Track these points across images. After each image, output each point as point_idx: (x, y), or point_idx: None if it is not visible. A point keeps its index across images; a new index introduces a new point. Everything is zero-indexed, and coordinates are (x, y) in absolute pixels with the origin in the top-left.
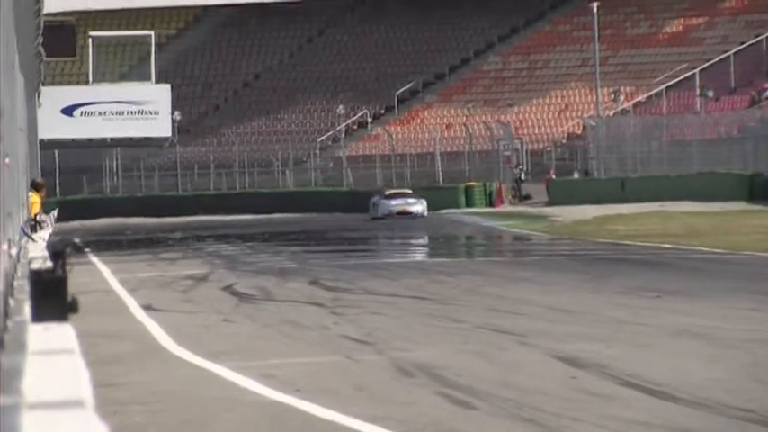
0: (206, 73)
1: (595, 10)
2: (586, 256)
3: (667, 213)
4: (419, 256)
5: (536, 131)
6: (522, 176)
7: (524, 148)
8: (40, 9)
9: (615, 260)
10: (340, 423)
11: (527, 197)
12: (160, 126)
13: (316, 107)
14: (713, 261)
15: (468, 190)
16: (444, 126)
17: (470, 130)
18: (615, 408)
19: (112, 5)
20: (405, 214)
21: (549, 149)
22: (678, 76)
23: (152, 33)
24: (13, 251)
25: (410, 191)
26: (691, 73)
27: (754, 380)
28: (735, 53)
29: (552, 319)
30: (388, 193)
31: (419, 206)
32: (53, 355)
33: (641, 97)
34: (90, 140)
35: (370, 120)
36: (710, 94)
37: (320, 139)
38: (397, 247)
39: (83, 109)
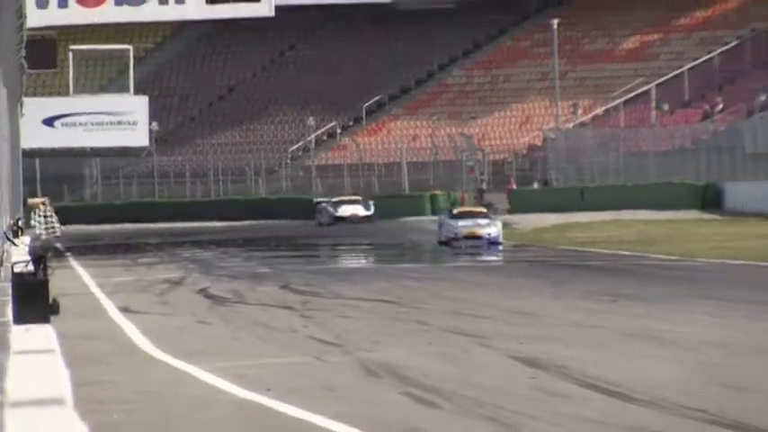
0: (182, 85)
1: (555, 27)
2: (546, 263)
3: (624, 222)
4: (385, 261)
5: (497, 143)
6: (484, 186)
7: (486, 159)
8: (22, 24)
9: (574, 266)
10: (309, 421)
11: (489, 205)
12: (138, 136)
13: (287, 118)
14: (668, 267)
15: (432, 198)
16: (410, 137)
17: (435, 142)
18: (573, 407)
19: (93, 20)
20: (474, 238)
21: (509, 160)
22: (634, 91)
23: (130, 47)
24: None
25: (482, 209)
26: (646, 87)
27: (709, 381)
28: (689, 69)
29: (513, 322)
30: (456, 211)
31: (493, 228)
32: (35, 355)
33: (599, 110)
34: (70, 150)
35: (339, 131)
36: (665, 107)
37: (291, 149)
38: (363, 252)
39: (63, 120)
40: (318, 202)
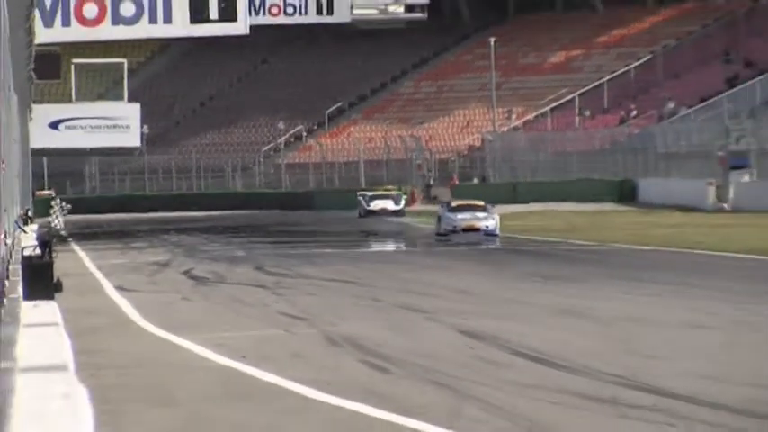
0: (169, 94)
1: (492, 44)
2: (484, 248)
3: (551, 212)
4: (345, 246)
5: (442, 144)
6: (431, 181)
7: (433, 158)
8: (31, 41)
9: (508, 251)
10: (278, 384)
11: (435, 198)
12: (131, 138)
13: (260, 123)
14: (589, 252)
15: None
16: (367, 139)
17: (388, 143)
18: (507, 373)
19: (92, 38)
20: (472, 230)
21: (453, 159)
22: (560, 99)
23: (124, 61)
24: (9, 240)
25: (480, 202)
26: (571, 96)
27: (625, 351)
28: (608, 80)
29: (456, 299)
30: (454, 204)
31: (490, 221)
32: (41, 328)
33: (530, 116)
34: (72, 150)
35: (304, 134)
36: (587, 113)
37: (263, 149)
38: (326, 238)
39: (67, 123)
40: (360, 196)
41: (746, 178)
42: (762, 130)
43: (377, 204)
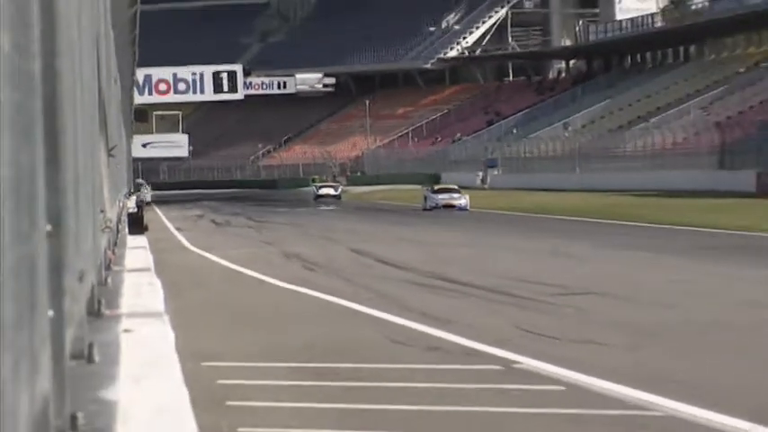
0: (200, 130)
1: (367, 103)
2: (363, 207)
3: (396, 189)
4: (295, 207)
5: (342, 155)
6: (336, 174)
7: (337, 162)
8: (132, 102)
9: (375, 209)
10: (253, 276)
11: (338, 182)
12: (183, 152)
13: (249, 145)
14: (414, 210)
15: (313, 180)
16: (303, 153)
17: (313, 155)
18: (373, 271)
19: (163, 100)
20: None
21: (347, 163)
22: (402, 133)
23: (180, 112)
24: (120, 204)
25: (455, 186)
26: (407, 131)
27: (435, 261)
28: (426, 123)
29: (349, 234)
30: (436, 187)
31: (463, 200)
32: (137, 249)
33: (386, 141)
34: (154, 158)
35: (271, 150)
36: (416, 140)
37: (251, 158)
38: (284, 204)
39: (150, 144)
40: (313, 185)
41: (496, 172)
42: (503, 148)
43: (324, 190)
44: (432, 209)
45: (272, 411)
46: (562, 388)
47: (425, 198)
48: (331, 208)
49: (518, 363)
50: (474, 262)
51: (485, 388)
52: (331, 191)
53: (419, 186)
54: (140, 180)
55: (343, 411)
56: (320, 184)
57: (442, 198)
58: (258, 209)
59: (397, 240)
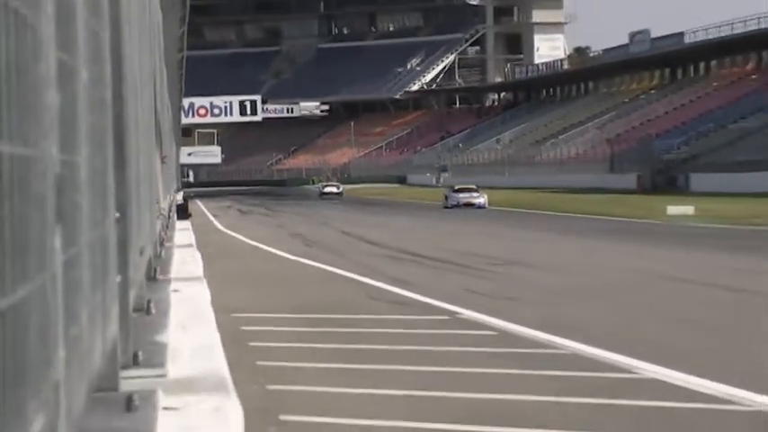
0: (230, 143)
1: (352, 125)
2: (351, 200)
3: (374, 188)
4: (301, 200)
5: (334, 162)
6: (330, 175)
7: (330, 167)
8: (180, 122)
9: (363, 202)
10: (268, 250)
11: (339, 181)
12: (217, 159)
13: (265, 154)
14: (389, 202)
15: (313, 181)
16: (305, 160)
17: (313, 162)
18: (358, 247)
19: (202, 122)
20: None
21: (337, 168)
22: (379, 146)
23: (215, 130)
24: (171, 198)
25: (474, 186)
26: (382, 144)
27: (400, 239)
28: (396, 138)
29: (342, 220)
30: (456, 187)
31: (481, 198)
32: (183, 231)
33: (365, 152)
34: (194, 164)
35: (282, 158)
36: (388, 150)
37: (267, 164)
38: (293, 198)
39: (193, 153)
40: (319, 185)
41: (447, 174)
42: (452, 157)
43: (327, 189)
44: (453, 207)
45: (280, 349)
46: (494, 332)
47: (446, 197)
48: (335, 202)
49: (461, 314)
50: (430, 241)
51: (437, 333)
52: (334, 189)
53: (393, 185)
54: (186, 179)
55: (335, 350)
56: (325, 183)
57: (463, 197)
58: (272, 202)
59: (373, 225)
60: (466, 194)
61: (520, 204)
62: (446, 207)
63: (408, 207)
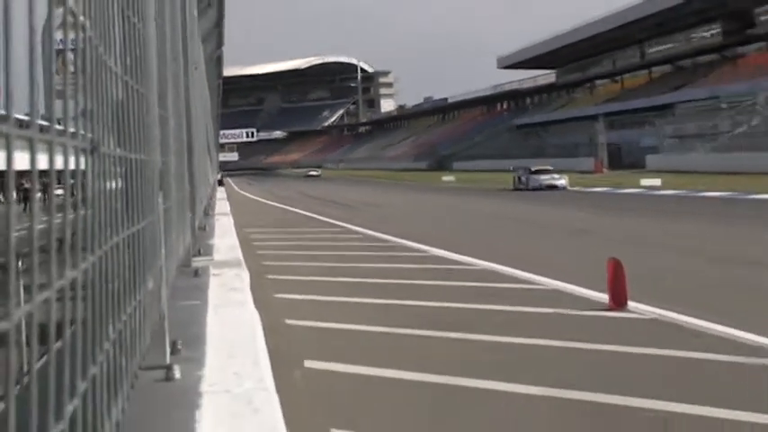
0: (242, 151)
1: (297, 143)
2: (348, 179)
3: (359, 173)
4: (291, 179)
5: (291, 160)
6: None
7: (289, 162)
8: (218, 141)
9: (357, 181)
10: (289, 209)
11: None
12: (235, 158)
13: (261, 154)
14: (367, 179)
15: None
16: (285, 156)
17: (281, 159)
18: (314, 203)
19: (227, 141)
20: (553, 187)
21: (294, 162)
22: (309, 152)
23: (235, 144)
24: (212, 179)
25: (551, 167)
26: (312, 151)
27: (339, 196)
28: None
29: (312, 189)
30: (534, 169)
31: (562, 180)
32: (220, 200)
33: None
34: (226, 161)
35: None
36: (314, 154)
37: (261, 159)
38: (284, 177)
39: (225, 156)
40: (306, 170)
41: (342, 164)
42: (343, 157)
43: (311, 172)
44: (535, 189)
45: (267, 244)
46: (361, 236)
47: (519, 179)
48: (310, 181)
49: (346, 226)
50: (340, 194)
51: (334, 232)
52: (314, 172)
53: (318, 170)
54: (220, 173)
55: (290, 238)
56: (309, 168)
57: (544, 179)
58: (273, 180)
59: (343, 191)
60: (547, 176)
61: (380, 177)
62: (526, 189)
63: (340, 179)
